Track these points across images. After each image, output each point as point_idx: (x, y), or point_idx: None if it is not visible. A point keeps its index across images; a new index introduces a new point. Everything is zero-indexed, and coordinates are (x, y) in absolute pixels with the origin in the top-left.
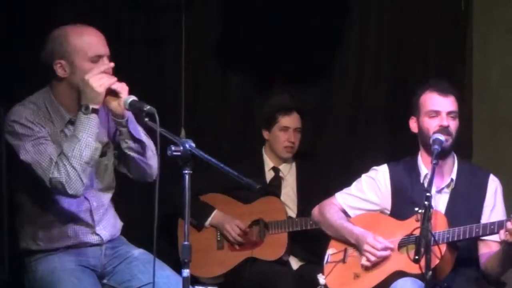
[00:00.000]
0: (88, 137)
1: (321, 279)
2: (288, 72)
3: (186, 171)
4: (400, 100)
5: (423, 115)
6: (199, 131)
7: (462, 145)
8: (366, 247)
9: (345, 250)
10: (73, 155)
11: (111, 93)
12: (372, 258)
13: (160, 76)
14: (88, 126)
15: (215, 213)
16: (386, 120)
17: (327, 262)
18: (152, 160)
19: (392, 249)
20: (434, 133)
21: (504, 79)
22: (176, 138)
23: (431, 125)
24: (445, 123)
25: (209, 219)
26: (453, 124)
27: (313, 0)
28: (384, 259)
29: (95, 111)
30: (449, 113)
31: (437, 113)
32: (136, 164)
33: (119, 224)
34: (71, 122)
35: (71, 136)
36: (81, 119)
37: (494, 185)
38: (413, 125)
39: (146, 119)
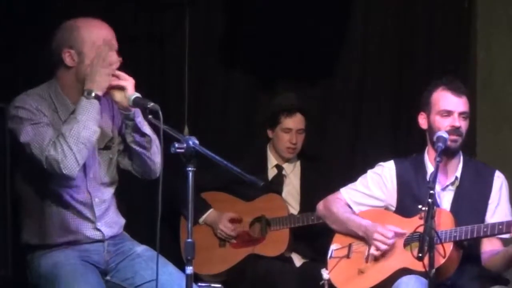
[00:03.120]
0: (87, 120)
1: (325, 274)
2: (291, 70)
3: (190, 168)
4: (403, 100)
5: (435, 113)
6: (203, 129)
7: (465, 142)
8: (376, 235)
9: (350, 246)
10: (70, 134)
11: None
12: (383, 247)
13: (164, 73)
14: (88, 109)
15: (210, 211)
16: (389, 120)
17: (330, 257)
18: (157, 156)
19: (404, 235)
20: (446, 132)
21: (507, 77)
22: (179, 135)
23: (442, 124)
24: (457, 124)
25: (204, 216)
26: (464, 125)
27: None
28: (389, 255)
29: (97, 97)
30: (461, 113)
31: (449, 113)
32: (140, 159)
33: (122, 221)
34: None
35: (71, 118)
36: (82, 102)
37: (499, 181)
38: (422, 121)
39: (150, 116)
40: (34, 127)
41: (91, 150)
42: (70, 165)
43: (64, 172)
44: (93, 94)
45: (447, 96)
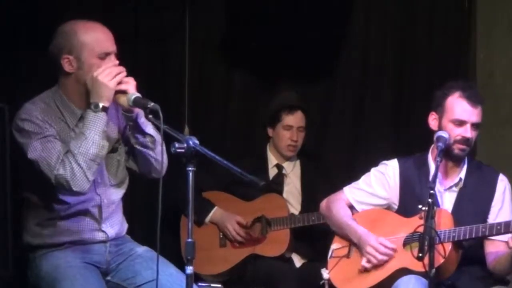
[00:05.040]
0: (95, 135)
1: (325, 273)
2: (292, 69)
3: (190, 168)
4: (404, 99)
5: (448, 120)
6: (203, 128)
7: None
8: (368, 249)
9: (350, 246)
10: (79, 152)
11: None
12: (374, 261)
13: (164, 73)
14: (95, 123)
15: (215, 210)
16: (390, 119)
17: (331, 257)
18: (162, 155)
19: (395, 250)
20: (455, 141)
21: (507, 77)
22: (180, 135)
23: (453, 133)
24: (468, 135)
25: (210, 215)
26: (474, 135)
27: None
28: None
29: (104, 109)
30: (473, 124)
31: (462, 123)
32: (144, 159)
33: (126, 225)
34: (82, 118)
35: (78, 134)
36: (89, 116)
37: (503, 184)
38: (432, 122)
39: (150, 116)
40: (41, 142)
41: (101, 163)
42: (80, 183)
43: (74, 189)
44: (100, 107)
45: (463, 105)
